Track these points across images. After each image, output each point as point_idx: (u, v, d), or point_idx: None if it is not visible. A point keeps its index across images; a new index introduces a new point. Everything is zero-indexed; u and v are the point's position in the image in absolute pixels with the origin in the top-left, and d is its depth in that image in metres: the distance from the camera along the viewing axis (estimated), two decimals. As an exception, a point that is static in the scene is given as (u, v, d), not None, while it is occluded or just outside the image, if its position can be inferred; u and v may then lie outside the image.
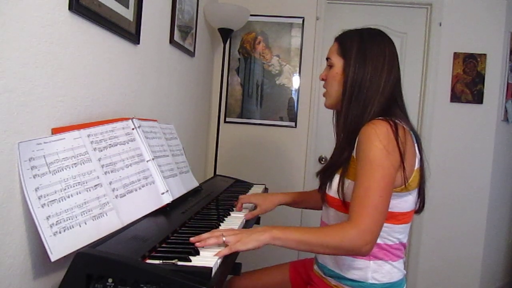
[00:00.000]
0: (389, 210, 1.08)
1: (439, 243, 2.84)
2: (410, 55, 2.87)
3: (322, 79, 1.27)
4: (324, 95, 1.28)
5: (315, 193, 1.44)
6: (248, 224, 1.33)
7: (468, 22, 2.77)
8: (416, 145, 1.13)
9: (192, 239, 0.98)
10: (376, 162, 1.02)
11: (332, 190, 1.16)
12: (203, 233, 1.01)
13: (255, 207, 1.42)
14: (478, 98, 2.79)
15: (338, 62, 1.20)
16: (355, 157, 1.11)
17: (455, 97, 2.81)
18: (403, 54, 2.88)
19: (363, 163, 1.05)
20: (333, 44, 1.25)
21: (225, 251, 0.95)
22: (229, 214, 1.34)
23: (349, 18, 2.89)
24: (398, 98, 1.18)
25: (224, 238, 0.97)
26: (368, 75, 1.14)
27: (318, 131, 2.82)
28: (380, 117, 1.11)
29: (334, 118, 1.29)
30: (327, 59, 1.25)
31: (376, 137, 1.04)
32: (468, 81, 2.79)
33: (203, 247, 0.96)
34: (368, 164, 1.03)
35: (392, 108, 1.15)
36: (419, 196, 1.16)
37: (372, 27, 1.24)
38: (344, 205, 1.12)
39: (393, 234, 1.14)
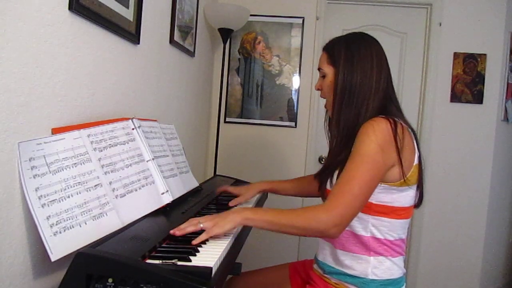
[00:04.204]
0: (390, 204, 1.12)
1: (439, 242, 2.84)
2: (410, 55, 2.87)
3: (318, 89, 1.30)
4: (325, 107, 1.31)
5: (297, 181, 1.55)
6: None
7: (468, 22, 2.77)
8: (414, 141, 1.16)
9: (171, 231, 1.01)
10: (366, 155, 1.05)
11: (333, 185, 1.18)
12: (203, 233, 1.02)
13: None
14: (478, 98, 2.79)
15: (329, 71, 1.23)
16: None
17: (455, 97, 2.81)
18: (403, 54, 2.88)
19: (354, 154, 1.08)
20: (322, 54, 1.28)
21: (203, 236, 0.99)
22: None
23: (349, 18, 2.89)
24: (392, 96, 1.21)
25: (201, 225, 1.01)
26: (358, 78, 1.17)
27: (318, 131, 2.82)
28: (380, 115, 1.13)
29: (326, 121, 1.32)
30: (319, 69, 1.28)
31: (373, 133, 1.07)
32: (468, 81, 2.79)
33: (182, 235, 1.00)
34: (358, 156, 1.07)
35: (388, 106, 1.18)
36: (417, 191, 1.19)
37: (356, 31, 1.29)
38: None
39: (393, 229, 1.15)
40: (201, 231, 1.02)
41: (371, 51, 1.19)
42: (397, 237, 1.17)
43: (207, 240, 1.02)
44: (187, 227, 1.01)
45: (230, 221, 1.02)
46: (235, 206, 1.40)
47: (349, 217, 1.05)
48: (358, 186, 1.04)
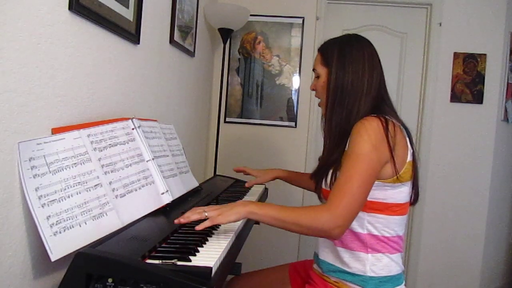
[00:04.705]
0: (384, 201, 1.14)
1: (439, 242, 2.84)
2: (410, 55, 2.87)
3: (312, 89, 1.33)
4: (319, 105, 1.34)
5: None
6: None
7: (468, 22, 2.77)
8: (407, 139, 1.18)
9: (176, 220, 1.02)
10: (361, 155, 1.07)
11: (327, 184, 1.20)
12: (203, 233, 1.03)
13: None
14: (478, 98, 2.79)
15: (323, 71, 1.26)
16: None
17: (455, 97, 2.81)
18: (403, 54, 2.88)
19: (350, 155, 1.10)
20: (317, 55, 1.31)
21: (207, 223, 1.00)
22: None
23: (349, 18, 2.89)
24: (384, 96, 1.23)
25: (206, 213, 1.02)
26: (349, 79, 1.19)
27: (318, 131, 2.82)
28: (372, 115, 1.15)
29: (322, 121, 1.34)
30: (313, 70, 1.31)
31: (365, 132, 1.09)
32: (468, 81, 2.79)
33: (187, 223, 1.02)
34: (354, 156, 1.08)
35: (381, 106, 1.20)
36: (413, 188, 1.20)
37: (350, 33, 1.32)
38: None
39: (389, 225, 1.16)
40: (205, 237, 1.02)
41: (364, 53, 1.21)
42: (394, 234, 1.18)
43: (207, 240, 1.02)
44: (191, 215, 1.02)
45: (235, 212, 1.03)
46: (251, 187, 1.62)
47: (351, 217, 1.06)
48: (357, 185, 1.05)
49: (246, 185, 1.61)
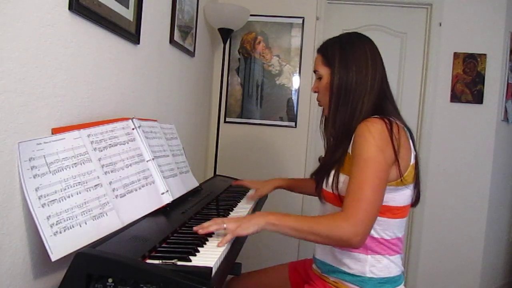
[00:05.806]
0: (385, 204, 1.12)
1: (439, 242, 2.84)
2: (410, 55, 2.87)
3: (315, 91, 1.32)
4: (319, 105, 1.33)
5: (310, 180, 1.56)
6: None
7: (468, 22, 2.77)
8: (410, 140, 1.16)
9: (195, 228, 1.02)
10: (369, 159, 1.05)
11: (328, 185, 1.19)
12: (228, 235, 1.02)
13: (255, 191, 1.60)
14: (478, 98, 2.79)
15: (325, 72, 1.25)
16: (350, 153, 1.13)
17: (455, 97, 2.81)
18: (403, 54, 2.88)
19: (357, 160, 1.08)
20: (317, 56, 1.29)
21: (228, 237, 1.00)
22: (229, 214, 1.34)
23: (349, 18, 2.89)
24: (387, 93, 1.22)
25: (225, 225, 1.02)
26: (353, 77, 1.18)
27: (318, 131, 2.81)
28: (375, 116, 1.13)
29: (322, 122, 1.34)
30: (314, 71, 1.29)
31: (370, 135, 1.07)
32: (468, 81, 2.79)
33: (206, 234, 1.02)
34: (362, 161, 1.06)
35: (384, 104, 1.19)
36: (414, 190, 1.19)
37: (349, 31, 1.30)
38: (339, 200, 1.14)
39: (389, 228, 1.16)
40: (205, 237, 1.03)
41: (365, 50, 1.20)
42: (393, 236, 1.17)
43: (207, 240, 1.02)
44: (210, 226, 1.02)
45: (254, 224, 1.03)
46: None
47: (370, 223, 1.03)
48: (371, 190, 1.03)
49: (249, 197, 1.56)
